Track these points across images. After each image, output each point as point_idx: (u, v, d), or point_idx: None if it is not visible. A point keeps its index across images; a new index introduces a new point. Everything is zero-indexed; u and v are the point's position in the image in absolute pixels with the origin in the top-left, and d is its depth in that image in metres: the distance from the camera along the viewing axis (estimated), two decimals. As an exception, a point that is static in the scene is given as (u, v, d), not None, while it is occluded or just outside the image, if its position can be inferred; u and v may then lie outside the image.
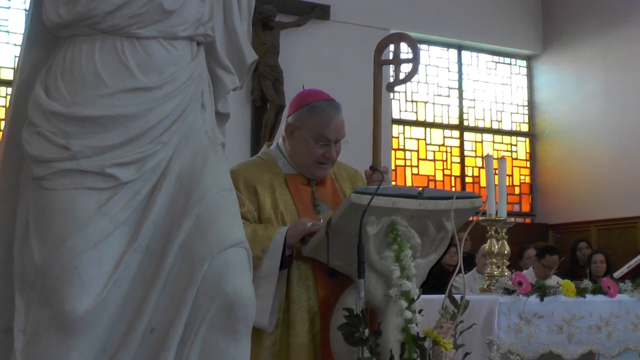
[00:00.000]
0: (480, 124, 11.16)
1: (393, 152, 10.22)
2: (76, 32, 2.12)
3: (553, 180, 11.11)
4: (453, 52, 11.03)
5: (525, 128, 11.50)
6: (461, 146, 10.94)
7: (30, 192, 2.06)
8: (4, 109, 7.90)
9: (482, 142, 11.13)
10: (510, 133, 11.38)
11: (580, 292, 3.98)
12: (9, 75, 8.12)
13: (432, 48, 10.82)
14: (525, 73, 11.53)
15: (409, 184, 10.19)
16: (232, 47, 2.36)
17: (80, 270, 1.93)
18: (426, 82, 10.78)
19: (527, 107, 11.51)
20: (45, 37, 2.21)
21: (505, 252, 4.25)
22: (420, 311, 2.65)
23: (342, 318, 2.57)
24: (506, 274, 4.10)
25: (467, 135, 11.04)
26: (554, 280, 6.15)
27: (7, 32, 8.38)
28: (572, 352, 3.88)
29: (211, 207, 2.06)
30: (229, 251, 2.04)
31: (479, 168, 10.82)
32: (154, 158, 2.06)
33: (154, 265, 2.02)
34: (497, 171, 4.35)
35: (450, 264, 7.44)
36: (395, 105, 10.40)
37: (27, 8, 3.40)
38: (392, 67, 3.47)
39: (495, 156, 9.10)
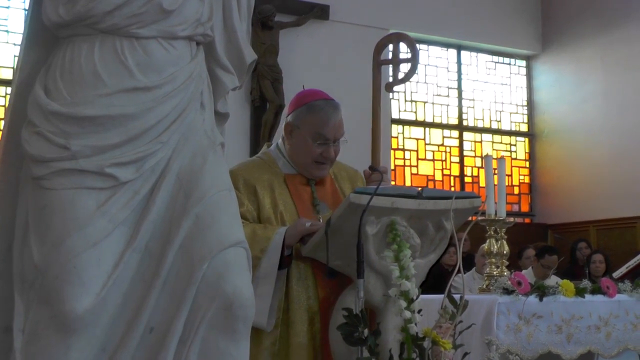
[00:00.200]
0: (480, 124, 11.16)
1: (392, 152, 10.22)
2: (75, 31, 2.12)
3: (552, 181, 11.11)
4: (452, 52, 11.03)
5: (524, 128, 11.50)
6: (460, 146, 10.94)
7: (29, 191, 2.06)
8: (3, 108, 7.90)
9: (481, 142, 11.13)
10: (510, 133, 11.38)
11: (580, 292, 3.98)
12: (8, 74, 8.11)
13: (432, 48, 10.82)
14: (525, 73, 11.53)
15: (408, 183, 10.18)
16: (232, 47, 2.36)
17: (79, 270, 1.94)
18: (425, 82, 10.78)
19: (526, 107, 11.51)
20: (44, 37, 2.21)
21: (505, 252, 4.25)
22: (419, 311, 2.65)
23: (342, 318, 2.57)
24: (505, 274, 4.10)
25: (467, 135, 11.04)
26: (553, 280, 6.14)
27: (7, 31, 8.37)
28: (571, 352, 3.88)
29: (210, 207, 2.06)
30: (229, 251, 2.04)
31: (478, 168, 10.82)
32: (153, 158, 2.06)
33: (154, 265, 2.02)
34: (496, 171, 4.35)
35: (449, 264, 7.43)
36: (394, 105, 10.40)
37: (27, 8, 3.40)
38: (391, 67, 3.48)
39: (495, 156, 9.08)
